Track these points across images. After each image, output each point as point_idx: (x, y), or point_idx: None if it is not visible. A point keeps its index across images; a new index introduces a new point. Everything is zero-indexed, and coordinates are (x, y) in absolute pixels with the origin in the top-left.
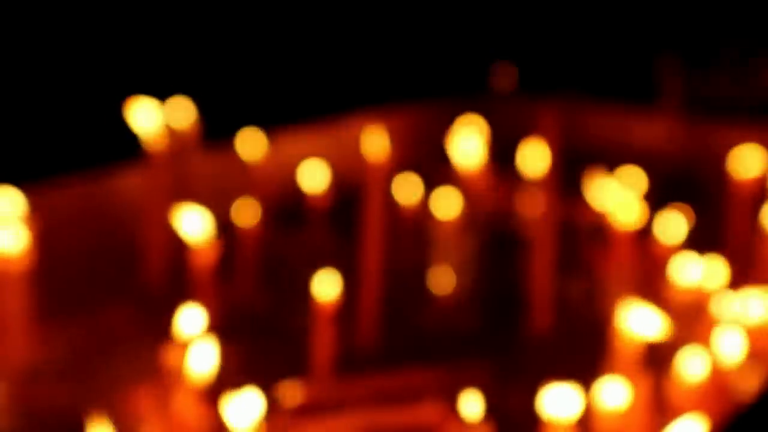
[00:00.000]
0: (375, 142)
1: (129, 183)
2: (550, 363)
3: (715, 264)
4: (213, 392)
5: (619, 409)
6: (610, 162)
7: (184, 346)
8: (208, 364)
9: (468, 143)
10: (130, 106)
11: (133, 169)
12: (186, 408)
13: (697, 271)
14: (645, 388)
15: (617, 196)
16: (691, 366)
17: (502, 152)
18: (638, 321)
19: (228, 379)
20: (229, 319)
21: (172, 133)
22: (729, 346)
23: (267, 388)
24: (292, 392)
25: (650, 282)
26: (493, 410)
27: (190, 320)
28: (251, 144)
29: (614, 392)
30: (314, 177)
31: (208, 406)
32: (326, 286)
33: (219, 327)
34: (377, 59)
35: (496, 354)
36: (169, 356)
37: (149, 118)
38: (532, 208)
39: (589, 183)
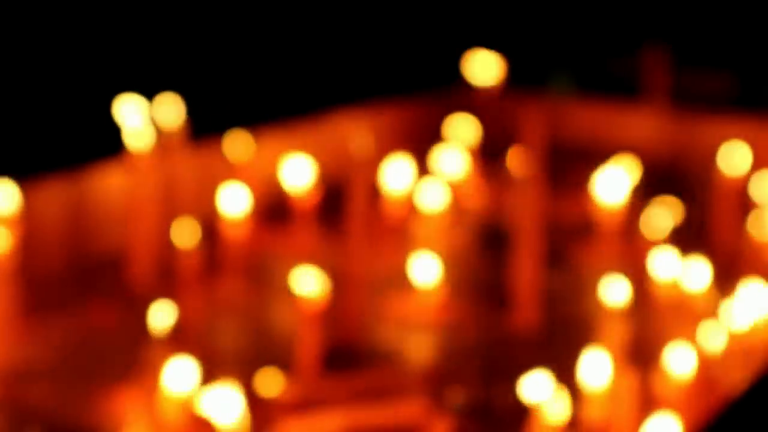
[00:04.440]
0: (360, 138)
1: (114, 181)
2: (536, 359)
3: (699, 260)
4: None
5: (604, 402)
6: (596, 157)
7: (163, 344)
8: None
9: (453, 138)
10: (118, 104)
11: (118, 167)
12: (169, 408)
13: (681, 267)
14: (631, 383)
15: (602, 190)
16: (677, 362)
17: (488, 147)
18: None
19: (212, 377)
20: (215, 317)
21: (158, 131)
22: (713, 342)
23: (252, 385)
24: (278, 388)
25: (636, 277)
26: (478, 406)
27: (163, 318)
28: (237, 142)
29: (598, 374)
30: (298, 175)
31: (193, 406)
32: (311, 283)
33: (204, 325)
34: (361, 55)
35: (481, 350)
36: (150, 355)
37: (136, 115)
38: (518, 204)
39: (575, 178)
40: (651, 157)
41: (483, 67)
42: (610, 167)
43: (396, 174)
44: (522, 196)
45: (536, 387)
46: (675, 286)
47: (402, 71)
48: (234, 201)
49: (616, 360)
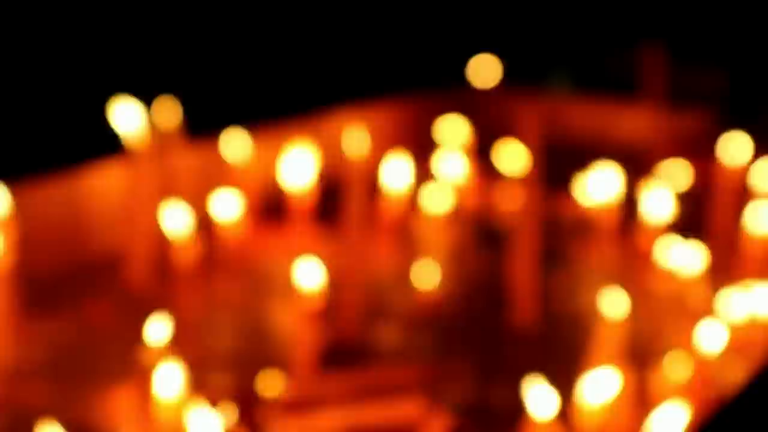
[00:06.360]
0: (356, 138)
1: (111, 180)
2: (534, 357)
3: (698, 255)
4: (195, 390)
5: (603, 403)
6: (593, 154)
7: (156, 349)
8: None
9: (450, 137)
10: (112, 107)
11: (115, 165)
12: (165, 407)
13: (680, 263)
14: (629, 380)
15: (599, 188)
16: (674, 360)
17: (484, 145)
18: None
19: (210, 376)
20: (212, 316)
21: (155, 130)
22: (712, 338)
23: (249, 383)
24: (273, 384)
25: (633, 274)
26: (476, 405)
27: (159, 328)
28: (234, 141)
29: (598, 386)
30: (297, 172)
31: (187, 406)
32: (308, 281)
33: (201, 324)
34: (358, 54)
35: (479, 348)
36: (145, 357)
37: (132, 117)
38: (515, 203)
39: (572, 176)
40: (647, 153)
41: (481, 66)
42: (603, 165)
43: (394, 172)
44: (519, 194)
45: (534, 390)
46: (673, 281)
47: (399, 70)
48: (227, 207)
49: (615, 361)
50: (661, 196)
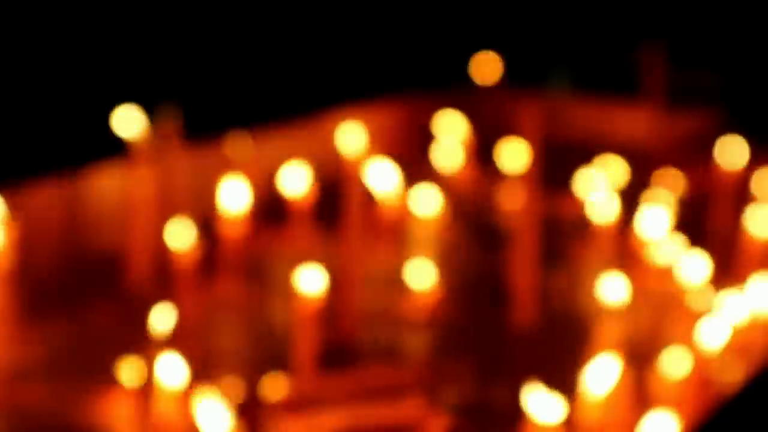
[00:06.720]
0: (353, 139)
1: (111, 182)
2: (533, 357)
3: (696, 256)
4: (193, 392)
5: (601, 399)
6: (593, 154)
7: (157, 347)
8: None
9: (449, 136)
10: (114, 110)
11: (115, 168)
12: (166, 409)
13: (679, 264)
14: (628, 378)
15: (598, 188)
16: (673, 359)
17: (484, 145)
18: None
19: (211, 376)
20: (212, 317)
21: (155, 134)
22: (710, 339)
23: (250, 384)
24: (275, 386)
25: (632, 274)
26: (475, 405)
27: (163, 320)
28: (233, 143)
29: (596, 381)
30: (295, 181)
31: (188, 407)
32: (309, 282)
33: (201, 324)
34: (357, 55)
35: (478, 349)
36: (145, 358)
37: (133, 120)
38: (514, 202)
39: (572, 176)
40: (647, 152)
41: (482, 63)
42: (603, 165)
43: (392, 172)
44: (519, 194)
45: (533, 390)
46: (672, 282)
47: (399, 70)
48: (234, 197)
49: (612, 358)
50: (659, 199)
